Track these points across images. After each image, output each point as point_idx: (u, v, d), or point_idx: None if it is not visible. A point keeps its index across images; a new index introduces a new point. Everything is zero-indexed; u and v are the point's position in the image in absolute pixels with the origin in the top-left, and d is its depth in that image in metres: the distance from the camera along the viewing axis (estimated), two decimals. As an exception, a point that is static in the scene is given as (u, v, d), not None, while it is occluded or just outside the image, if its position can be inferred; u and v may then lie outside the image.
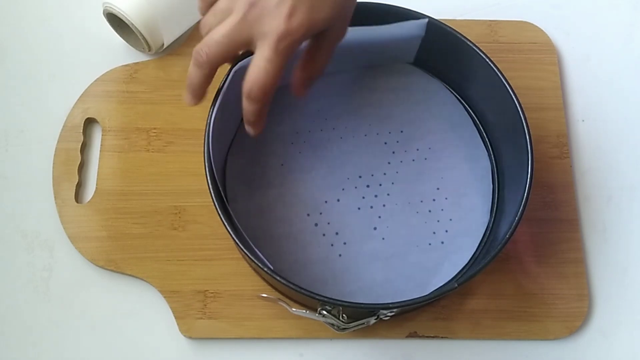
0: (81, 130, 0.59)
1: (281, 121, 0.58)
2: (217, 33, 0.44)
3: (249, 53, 0.51)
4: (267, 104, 0.46)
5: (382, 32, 0.55)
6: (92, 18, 0.62)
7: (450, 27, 0.55)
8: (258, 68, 0.43)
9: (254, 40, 0.44)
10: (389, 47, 0.57)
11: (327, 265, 0.54)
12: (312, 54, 0.47)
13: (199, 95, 0.47)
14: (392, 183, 0.57)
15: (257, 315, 0.54)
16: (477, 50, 0.54)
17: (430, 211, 0.56)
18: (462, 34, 0.55)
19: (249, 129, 0.48)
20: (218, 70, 0.46)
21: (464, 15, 0.65)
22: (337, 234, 0.55)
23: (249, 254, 0.47)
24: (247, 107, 0.46)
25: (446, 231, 0.55)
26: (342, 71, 0.60)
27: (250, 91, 0.44)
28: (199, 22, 0.62)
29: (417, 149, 0.58)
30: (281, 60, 0.43)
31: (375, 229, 0.55)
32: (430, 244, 0.54)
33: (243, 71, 0.51)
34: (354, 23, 0.54)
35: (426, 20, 0.55)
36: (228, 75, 0.50)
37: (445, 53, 0.57)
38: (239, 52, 0.46)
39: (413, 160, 0.57)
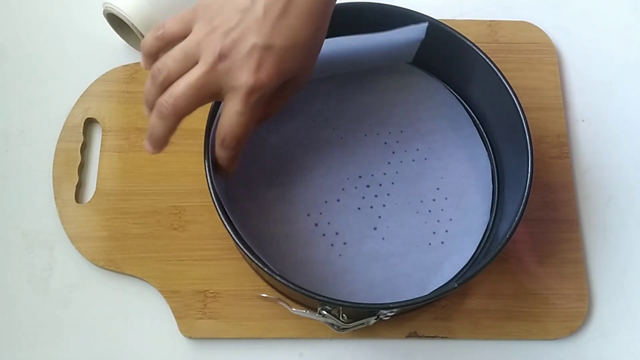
0: (81, 131, 0.59)
1: (281, 122, 0.58)
2: (183, 84, 0.43)
3: None
4: (240, 150, 0.47)
5: (382, 39, 0.55)
6: (92, 18, 0.62)
7: (450, 28, 0.55)
8: (230, 119, 0.44)
9: (223, 92, 0.44)
10: (388, 51, 0.57)
11: (327, 265, 0.54)
12: (271, 98, 0.46)
13: (161, 145, 0.46)
14: (392, 183, 0.57)
15: (257, 315, 0.54)
16: (477, 51, 0.54)
17: (430, 211, 0.56)
18: (462, 34, 0.55)
19: (222, 172, 0.49)
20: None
21: (464, 15, 0.65)
22: (337, 234, 0.55)
23: (249, 254, 0.47)
24: (221, 154, 0.47)
25: (446, 231, 0.55)
26: (341, 73, 0.60)
27: (223, 140, 0.45)
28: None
29: (417, 149, 0.58)
30: (252, 111, 0.44)
31: (375, 229, 0.55)
32: (430, 244, 0.55)
33: None
34: (354, 27, 0.54)
35: (426, 23, 0.55)
36: None
37: (445, 53, 0.57)
38: (205, 104, 0.45)
39: (413, 160, 0.57)
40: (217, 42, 0.42)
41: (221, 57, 0.42)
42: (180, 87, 0.43)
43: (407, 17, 0.55)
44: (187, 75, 0.43)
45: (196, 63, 0.43)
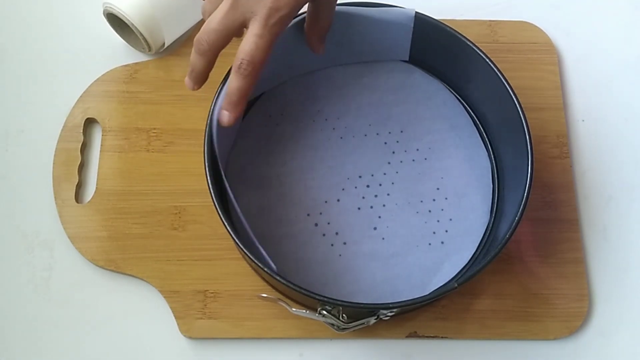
0: (81, 130, 0.59)
1: (281, 122, 0.58)
2: (213, 21, 0.46)
3: None
4: (254, 82, 0.47)
5: (371, 14, 0.55)
6: (92, 18, 0.62)
7: (450, 27, 0.55)
8: (248, 43, 0.45)
9: (246, 20, 0.45)
10: (380, 35, 0.57)
11: (327, 265, 0.54)
12: (314, 17, 0.50)
13: (201, 81, 0.49)
14: (392, 183, 0.57)
15: (257, 315, 0.54)
16: (477, 51, 0.54)
17: (430, 211, 0.56)
18: (462, 34, 0.55)
19: (225, 113, 0.48)
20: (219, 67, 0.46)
21: (464, 15, 0.65)
22: (337, 234, 0.55)
23: (249, 254, 0.47)
24: (234, 82, 0.47)
25: (446, 231, 0.55)
26: (339, 65, 0.59)
27: (240, 64, 0.46)
28: (199, 22, 0.63)
29: (417, 149, 0.58)
30: (271, 35, 0.45)
31: (375, 229, 0.55)
32: (430, 244, 0.54)
33: None
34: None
35: (413, 12, 0.55)
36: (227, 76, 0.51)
37: (445, 53, 0.57)
38: (237, 35, 0.47)
39: (413, 160, 0.57)
40: None
41: None
42: (211, 24, 0.46)
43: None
44: (216, 12, 0.46)
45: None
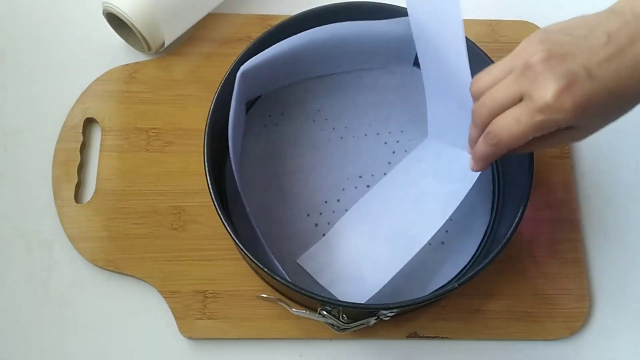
0: (81, 130, 0.59)
1: (281, 122, 0.58)
2: (497, 91, 0.42)
3: (254, 51, 0.52)
4: (497, 155, 0.43)
5: (375, 28, 0.55)
6: (92, 18, 0.62)
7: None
8: (506, 121, 0.41)
9: (523, 95, 0.40)
10: (384, 45, 0.57)
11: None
12: (536, 140, 0.42)
13: (482, 167, 0.46)
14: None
15: (257, 316, 0.54)
16: (478, 50, 0.54)
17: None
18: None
19: (471, 162, 0.46)
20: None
21: (465, 15, 0.65)
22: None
23: (249, 254, 0.46)
24: (481, 145, 0.44)
25: (446, 231, 0.55)
26: (341, 72, 0.59)
27: (488, 133, 0.42)
28: (199, 22, 0.63)
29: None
30: (531, 129, 0.40)
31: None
32: (430, 244, 0.54)
33: (250, 73, 0.51)
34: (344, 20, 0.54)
35: None
36: (234, 76, 0.50)
37: (445, 53, 0.57)
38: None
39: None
40: (537, 53, 0.40)
41: (532, 66, 0.39)
42: (487, 99, 0.42)
43: (397, 14, 0.55)
44: (496, 87, 0.42)
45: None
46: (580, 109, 0.39)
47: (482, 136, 0.43)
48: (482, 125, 0.43)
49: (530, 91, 0.39)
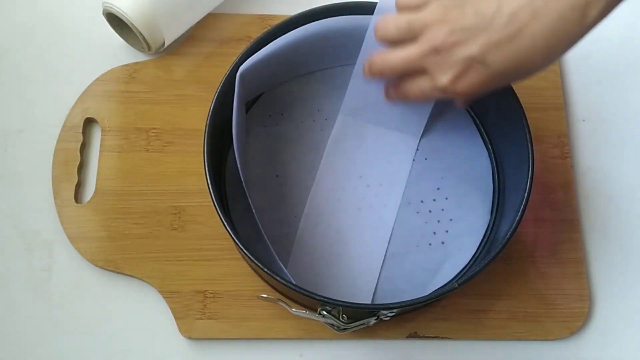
0: (81, 130, 0.59)
1: (281, 122, 0.58)
2: (396, 57, 0.48)
3: (254, 51, 0.52)
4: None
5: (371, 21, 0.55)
6: (92, 18, 0.62)
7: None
8: (413, 89, 0.49)
9: (422, 73, 0.47)
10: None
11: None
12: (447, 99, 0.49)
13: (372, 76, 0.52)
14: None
15: (257, 316, 0.54)
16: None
17: (430, 211, 0.56)
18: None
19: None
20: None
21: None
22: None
23: (248, 255, 0.46)
24: (391, 94, 0.53)
25: (447, 231, 0.55)
26: (339, 66, 0.59)
27: (397, 92, 0.51)
28: (199, 22, 0.63)
29: (418, 149, 0.58)
30: (433, 99, 0.49)
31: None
32: (430, 244, 0.54)
33: (248, 73, 0.51)
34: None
35: None
36: (234, 77, 0.50)
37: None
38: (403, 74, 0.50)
39: (413, 160, 0.57)
40: (441, 36, 0.44)
41: (437, 50, 0.45)
42: (393, 58, 0.48)
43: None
44: (402, 50, 0.47)
45: (413, 39, 0.46)
46: (474, 90, 0.45)
47: (391, 88, 0.52)
48: (377, 74, 0.50)
49: (432, 72, 0.46)
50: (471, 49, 0.43)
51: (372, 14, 0.55)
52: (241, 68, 0.51)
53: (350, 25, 0.55)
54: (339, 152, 0.57)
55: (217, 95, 0.51)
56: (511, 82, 0.48)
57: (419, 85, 0.48)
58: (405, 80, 0.49)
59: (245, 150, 0.56)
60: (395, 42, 0.48)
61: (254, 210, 0.50)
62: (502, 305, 0.55)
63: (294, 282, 0.46)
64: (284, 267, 0.49)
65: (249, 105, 0.58)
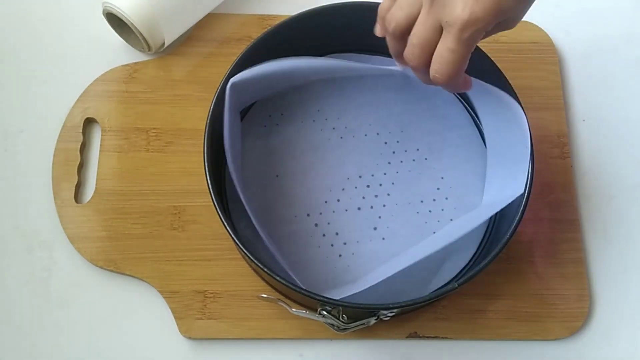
0: (81, 130, 0.59)
1: (281, 122, 0.58)
2: (414, 36, 0.44)
3: (252, 61, 0.52)
4: (455, 83, 0.45)
5: (374, 65, 0.55)
6: (92, 18, 0.62)
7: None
8: (441, 58, 0.43)
9: (442, 24, 0.42)
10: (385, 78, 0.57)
11: (327, 266, 0.53)
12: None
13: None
14: (393, 183, 0.56)
15: (257, 316, 0.54)
16: (478, 50, 0.54)
17: (430, 211, 0.56)
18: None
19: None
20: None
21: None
22: (337, 234, 0.55)
23: (248, 254, 0.46)
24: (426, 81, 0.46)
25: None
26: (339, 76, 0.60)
27: (434, 80, 0.44)
28: (199, 22, 0.63)
29: (418, 149, 0.58)
30: (465, 49, 0.42)
31: (375, 229, 0.55)
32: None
33: (241, 83, 0.51)
34: (352, 28, 0.54)
35: None
36: (225, 85, 0.51)
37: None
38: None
39: (413, 160, 0.57)
40: None
41: None
42: (413, 38, 0.44)
43: None
44: (415, 25, 0.44)
45: (420, 5, 0.43)
46: (494, 10, 0.41)
47: (430, 78, 0.45)
48: (419, 65, 0.45)
49: (445, 18, 0.41)
50: None
51: (371, 14, 0.55)
52: (233, 79, 0.51)
53: (352, 62, 0.55)
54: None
55: (217, 95, 0.51)
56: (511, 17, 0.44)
57: (445, 46, 0.43)
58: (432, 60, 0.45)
59: (242, 150, 0.56)
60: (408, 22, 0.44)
61: (250, 213, 0.50)
62: (502, 305, 0.55)
63: (298, 282, 0.46)
64: (285, 264, 0.49)
65: (248, 106, 0.58)
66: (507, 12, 0.42)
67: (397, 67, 0.53)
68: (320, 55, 0.58)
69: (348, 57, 0.58)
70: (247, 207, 0.50)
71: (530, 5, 0.45)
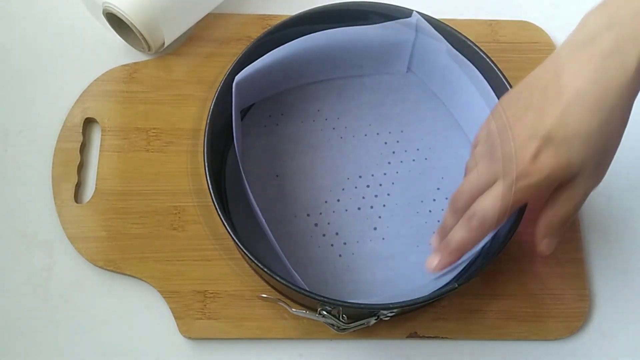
0: (80, 130, 0.59)
1: (281, 122, 0.58)
2: (469, 183, 0.45)
3: (252, 60, 0.52)
4: (479, 240, 0.45)
5: (367, 33, 0.55)
6: (91, 18, 0.62)
7: (451, 27, 0.55)
8: (487, 201, 0.43)
9: (496, 179, 0.43)
10: (376, 51, 0.57)
11: (327, 266, 0.54)
12: (554, 199, 0.45)
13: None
14: (393, 183, 0.56)
15: (257, 316, 0.54)
16: (478, 50, 0.54)
17: (430, 211, 0.56)
18: (463, 33, 0.55)
19: (436, 258, 0.47)
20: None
21: (465, 14, 0.65)
22: (337, 234, 0.55)
23: (248, 254, 0.46)
24: (459, 231, 0.45)
25: (446, 231, 0.55)
26: (340, 78, 0.60)
27: (472, 217, 0.44)
28: (199, 22, 0.63)
29: (418, 149, 0.58)
30: (513, 199, 0.42)
31: (375, 229, 0.55)
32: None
33: (246, 80, 0.51)
34: (339, 23, 0.54)
35: (415, 19, 0.55)
36: (234, 76, 0.51)
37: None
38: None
39: (413, 160, 0.57)
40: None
41: (493, 149, 0.43)
42: (467, 185, 0.45)
43: (394, 14, 0.55)
44: (474, 171, 0.45)
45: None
46: (554, 166, 0.41)
47: (462, 220, 0.44)
48: (461, 211, 0.44)
49: (503, 169, 0.42)
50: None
51: (371, 14, 0.55)
52: (237, 77, 0.51)
53: (346, 38, 0.55)
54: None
55: (217, 95, 0.52)
56: (588, 151, 0.43)
57: (493, 192, 0.43)
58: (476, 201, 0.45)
59: (243, 152, 0.56)
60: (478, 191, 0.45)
61: (258, 209, 0.49)
62: (502, 305, 0.55)
63: (301, 281, 0.46)
64: (287, 262, 0.49)
65: (248, 106, 0.58)
66: (570, 170, 0.43)
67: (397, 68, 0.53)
68: (319, 66, 0.58)
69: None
70: (254, 205, 0.50)
71: (605, 167, 0.46)
